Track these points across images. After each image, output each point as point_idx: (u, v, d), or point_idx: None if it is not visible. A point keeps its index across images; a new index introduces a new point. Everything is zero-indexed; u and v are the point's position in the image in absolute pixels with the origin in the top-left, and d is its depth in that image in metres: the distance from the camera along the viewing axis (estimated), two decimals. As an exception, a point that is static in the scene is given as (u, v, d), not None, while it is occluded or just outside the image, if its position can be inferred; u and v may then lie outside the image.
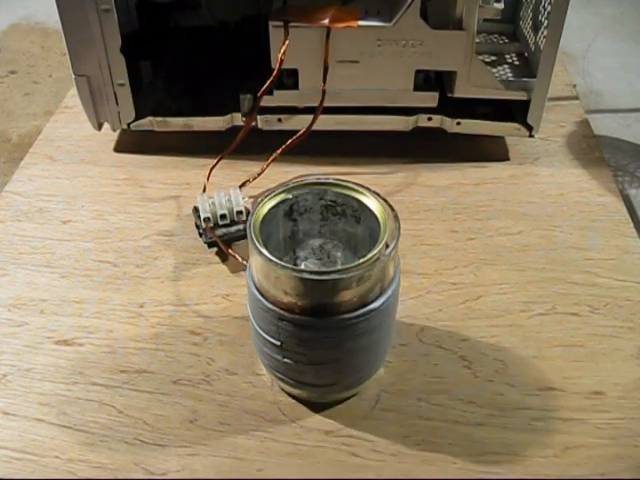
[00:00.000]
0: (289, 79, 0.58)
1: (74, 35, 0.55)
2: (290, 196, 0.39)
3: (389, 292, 0.37)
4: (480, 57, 0.63)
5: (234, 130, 0.59)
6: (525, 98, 0.58)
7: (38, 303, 0.49)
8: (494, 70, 0.62)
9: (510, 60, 0.64)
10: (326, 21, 0.54)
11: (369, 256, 0.34)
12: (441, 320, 0.47)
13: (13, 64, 1.14)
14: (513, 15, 0.67)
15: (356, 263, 0.34)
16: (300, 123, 0.58)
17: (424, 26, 0.54)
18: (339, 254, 0.42)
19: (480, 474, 0.38)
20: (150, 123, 0.61)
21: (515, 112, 0.60)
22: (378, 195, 0.38)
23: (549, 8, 0.54)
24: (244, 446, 0.40)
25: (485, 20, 0.58)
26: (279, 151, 0.57)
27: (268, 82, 0.55)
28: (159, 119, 0.61)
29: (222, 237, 0.51)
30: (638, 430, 0.40)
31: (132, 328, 0.47)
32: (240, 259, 0.50)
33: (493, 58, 0.64)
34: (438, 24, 0.54)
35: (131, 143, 0.65)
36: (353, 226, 0.40)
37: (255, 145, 0.57)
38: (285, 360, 0.38)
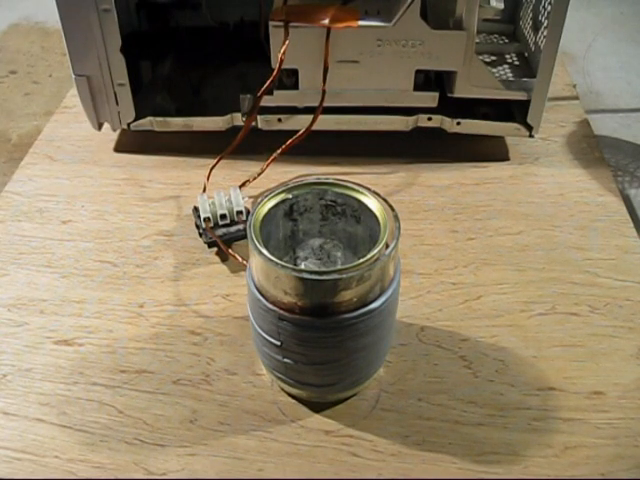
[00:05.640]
0: (289, 79, 0.58)
1: (74, 35, 0.55)
2: (290, 196, 0.39)
3: (389, 292, 0.37)
4: (480, 57, 0.63)
5: (234, 130, 0.59)
6: (525, 98, 0.58)
7: (38, 303, 0.49)
8: (494, 70, 0.62)
9: (510, 60, 0.64)
10: (326, 21, 0.54)
11: (369, 256, 0.34)
12: (441, 320, 0.47)
13: (13, 64, 1.14)
14: (513, 15, 0.67)
15: (356, 263, 0.34)
16: (300, 123, 0.58)
17: (424, 26, 0.54)
18: (339, 254, 0.42)
19: (480, 474, 0.38)
20: (150, 123, 0.61)
21: (515, 112, 0.60)
22: (378, 195, 0.38)
23: (549, 8, 0.54)
24: (244, 446, 0.40)
25: (485, 20, 0.58)
26: (279, 151, 0.57)
27: (268, 82, 0.55)
28: (159, 119, 0.61)
29: (222, 237, 0.51)
30: (638, 430, 0.40)
31: (132, 328, 0.47)
32: (240, 259, 0.50)
33: (493, 58, 0.64)
34: (438, 24, 0.54)
35: (131, 143, 0.65)
36: (353, 226, 0.40)
37: (255, 145, 0.57)
38: (285, 360, 0.38)
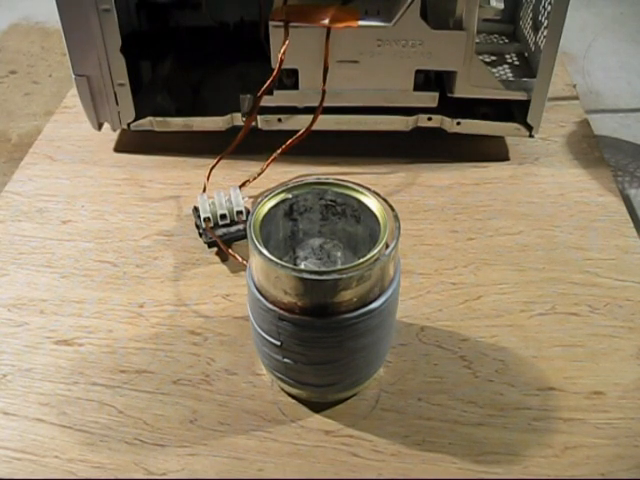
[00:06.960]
0: (289, 79, 0.58)
1: (74, 35, 0.55)
2: (290, 196, 0.39)
3: (389, 292, 0.37)
4: (480, 57, 0.63)
5: (234, 130, 0.59)
6: (525, 98, 0.58)
7: (38, 303, 0.49)
8: (494, 70, 0.62)
9: (510, 60, 0.64)
10: (326, 21, 0.54)
11: (369, 256, 0.34)
12: (441, 320, 0.47)
13: (13, 64, 1.14)
14: (513, 15, 0.67)
15: (356, 263, 0.34)
16: (300, 123, 0.58)
17: (424, 26, 0.54)
18: (339, 254, 0.42)
19: (480, 474, 0.38)
20: (150, 123, 0.61)
21: (515, 112, 0.60)
22: (378, 195, 0.38)
23: (549, 8, 0.54)
24: (244, 446, 0.40)
25: (485, 20, 0.58)
26: (279, 151, 0.57)
27: (268, 82, 0.55)
28: (159, 119, 0.61)
29: (222, 237, 0.51)
30: (638, 430, 0.40)
31: (132, 328, 0.47)
32: (240, 259, 0.50)
33: (493, 58, 0.64)
34: (438, 24, 0.54)
35: (131, 143, 0.65)
36: (353, 226, 0.40)
37: (255, 145, 0.57)
38: (285, 360, 0.38)
